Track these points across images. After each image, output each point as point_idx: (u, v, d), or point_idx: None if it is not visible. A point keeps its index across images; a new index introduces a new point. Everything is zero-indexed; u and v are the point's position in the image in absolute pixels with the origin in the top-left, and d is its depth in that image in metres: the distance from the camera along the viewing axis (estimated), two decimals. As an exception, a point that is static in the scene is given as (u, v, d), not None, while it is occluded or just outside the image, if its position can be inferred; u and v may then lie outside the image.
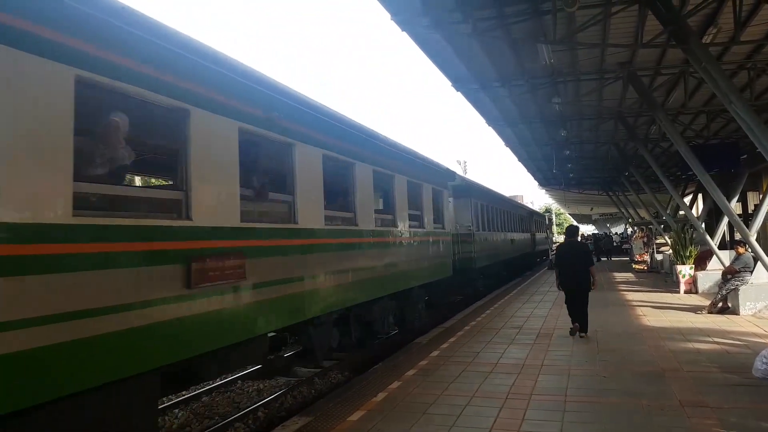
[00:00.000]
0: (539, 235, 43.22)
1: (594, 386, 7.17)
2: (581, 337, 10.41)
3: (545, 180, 38.86)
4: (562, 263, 10.81)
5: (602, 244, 44.09)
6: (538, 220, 45.87)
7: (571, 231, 11.37)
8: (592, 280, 10.49)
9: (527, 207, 42.33)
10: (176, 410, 8.48)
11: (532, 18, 11.55)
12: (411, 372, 8.18)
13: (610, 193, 38.77)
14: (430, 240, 13.77)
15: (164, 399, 9.03)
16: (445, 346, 10.06)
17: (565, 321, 12.23)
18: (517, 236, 30.51)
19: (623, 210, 41.12)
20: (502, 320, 12.94)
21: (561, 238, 46.33)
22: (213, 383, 9.63)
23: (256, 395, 9.41)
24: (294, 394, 9.29)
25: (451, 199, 17.11)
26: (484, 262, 20.87)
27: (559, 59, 13.78)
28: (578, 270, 10.50)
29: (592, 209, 59.56)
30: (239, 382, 9.99)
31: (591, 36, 12.75)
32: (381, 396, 6.99)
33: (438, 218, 14.66)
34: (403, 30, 12.12)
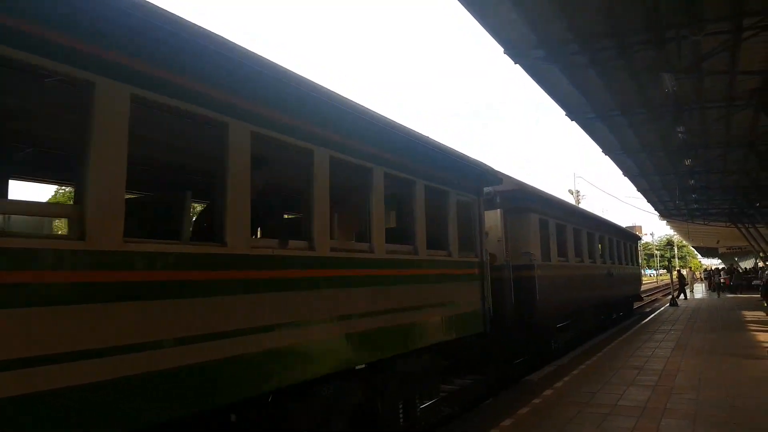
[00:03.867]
0: (598, 269, 18.41)
1: (725, 437, 6.68)
2: None
3: (667, 211, 36.69)
4: None
5: (731, 279, 40.58)
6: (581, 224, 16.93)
7: None
8: None
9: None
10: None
11: (654, 47, 11.21)
12: (524, 410, 8.04)
13: (739, 225, 35.78)
14: None
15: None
16: (559, 384, 9.79)
17: (690, 363, 11.46)
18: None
19: (753, 243, 37.69)
20: (618, 361, 12.34)
21: (681, 272, 40.32)
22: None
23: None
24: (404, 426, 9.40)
25: None
26: None
27: (682, 87, 13.17)
28: None
29: (718, 242, 55.12)
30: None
31: (719, 63, 12.11)
32: (494, 432, 6.96)
33: None
34: (516, 63, 12.23)
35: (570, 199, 45.74)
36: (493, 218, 11.40)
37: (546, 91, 14.04)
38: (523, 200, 12.36)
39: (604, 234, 20.00)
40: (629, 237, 26.41)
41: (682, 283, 35.78)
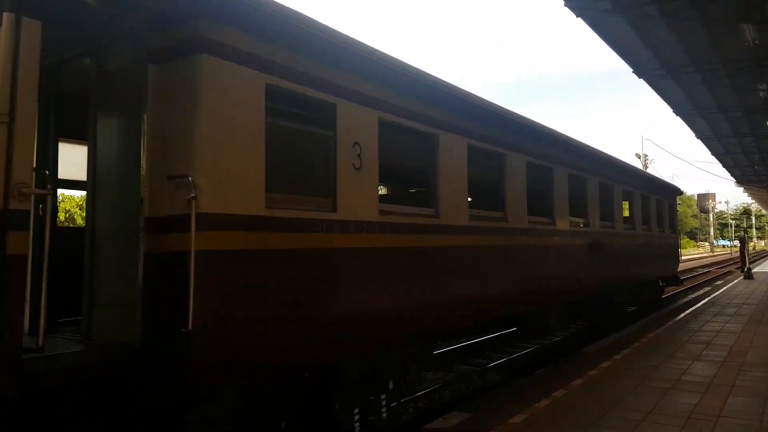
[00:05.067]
0: (563, 236, 10.24)
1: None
2: None
3: (744, 177, 34.54)
4: None
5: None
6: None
7: None
8: None
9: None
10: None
11: (733, -7, 10.22)
12: (578, 381, 7.69)
13: (828, 193, 33.18)
14: None
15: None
16: (618, 357, 9.33)
17: (763, 339, 10.65)
18: None
19: None
20: (684, 334, 11.68)
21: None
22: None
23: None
24: (452, 389, 9.28)
25: None
26: None
27: (765, 40, 12.01)
28: None
29: (803, 212, 51.62)
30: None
31: (810, 10, 10.93)
32: (545, 402, 6.67)
33: None
34: (578, 16, 11.51)
35: (637, 164, 43.15)
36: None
37: (611, 47, 13.16)
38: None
39: (589, 174, 11.52)
40: (655, 187, 16.78)
41: (744, 255, 33.49)
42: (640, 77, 15.08)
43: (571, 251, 10.58)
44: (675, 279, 19.48)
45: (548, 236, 9.72)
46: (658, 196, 16.75)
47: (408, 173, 8.41)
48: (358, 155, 5.77)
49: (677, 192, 19.91)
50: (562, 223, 10.19)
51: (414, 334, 6.72)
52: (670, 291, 21.13)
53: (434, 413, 7.71)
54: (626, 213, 14.23)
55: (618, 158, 13.40)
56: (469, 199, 7.84)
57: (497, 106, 8.41)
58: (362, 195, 5.81)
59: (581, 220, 11.17)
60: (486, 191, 8.65)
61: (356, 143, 5.75)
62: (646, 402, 6.65)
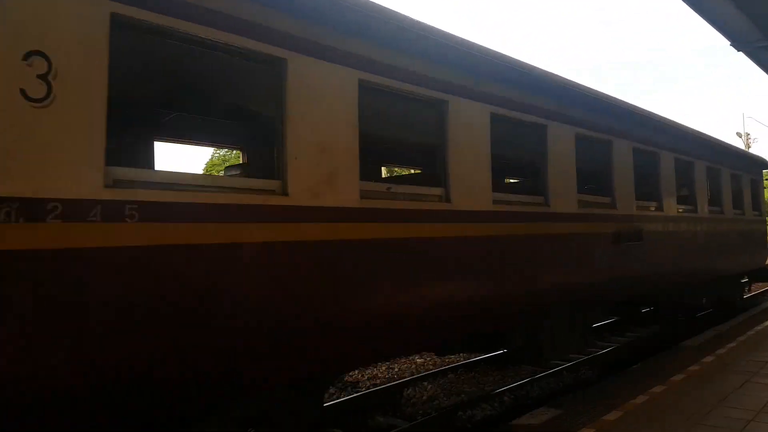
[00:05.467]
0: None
1: None
2: None
3: None
4: None
5: None
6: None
7: None
8: None
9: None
10: (425, 383, 8.86)
11: None
12: (679, 377, 7.23)
13: None
14: None
15: (414, 372, 9.53)
16: (722, 351, 8.68)
17: None
18: None
19: None
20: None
21: None
22: (457, 362, 9.87)
23: (499, 379, 9.32)
24: (540, 384, 8.97)
25: None
26: None
27: None
28: None
29: None
30: (482, 364, 10.00)
31: None
32: (641, 399, 6.31)
33: None
34: (667, -13, 10.67)
35: (740, 144, 39.65)
36: None
37: (704, 18, 12.15)
38: None
39: (614, 136, 8.45)
40: (727, 158, 13.06)
41: None
42: (738, 50, 13.84)
43: (580, 242, 7.54)
44: (763, 273, 15.77)
45: (537, 222, 6.74)
46: (734, 170, 13.19)
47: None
48: (44, 77, 3.02)
49: (762, 164, 15.94)
50: (565, 205, 7.26)
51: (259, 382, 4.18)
52: (759, 287, 18.42)
53: (522, 409, 7.48)
54: (686, 191, 11.11)
55: (664, 117, 10.08)
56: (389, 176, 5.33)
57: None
58: (51, 153, 3.07)
59: (604, 200, 8.32)
60: (422, 160, 5.72)
61: (36, 53, 3.00)
62: (755, 400, 6.17)
